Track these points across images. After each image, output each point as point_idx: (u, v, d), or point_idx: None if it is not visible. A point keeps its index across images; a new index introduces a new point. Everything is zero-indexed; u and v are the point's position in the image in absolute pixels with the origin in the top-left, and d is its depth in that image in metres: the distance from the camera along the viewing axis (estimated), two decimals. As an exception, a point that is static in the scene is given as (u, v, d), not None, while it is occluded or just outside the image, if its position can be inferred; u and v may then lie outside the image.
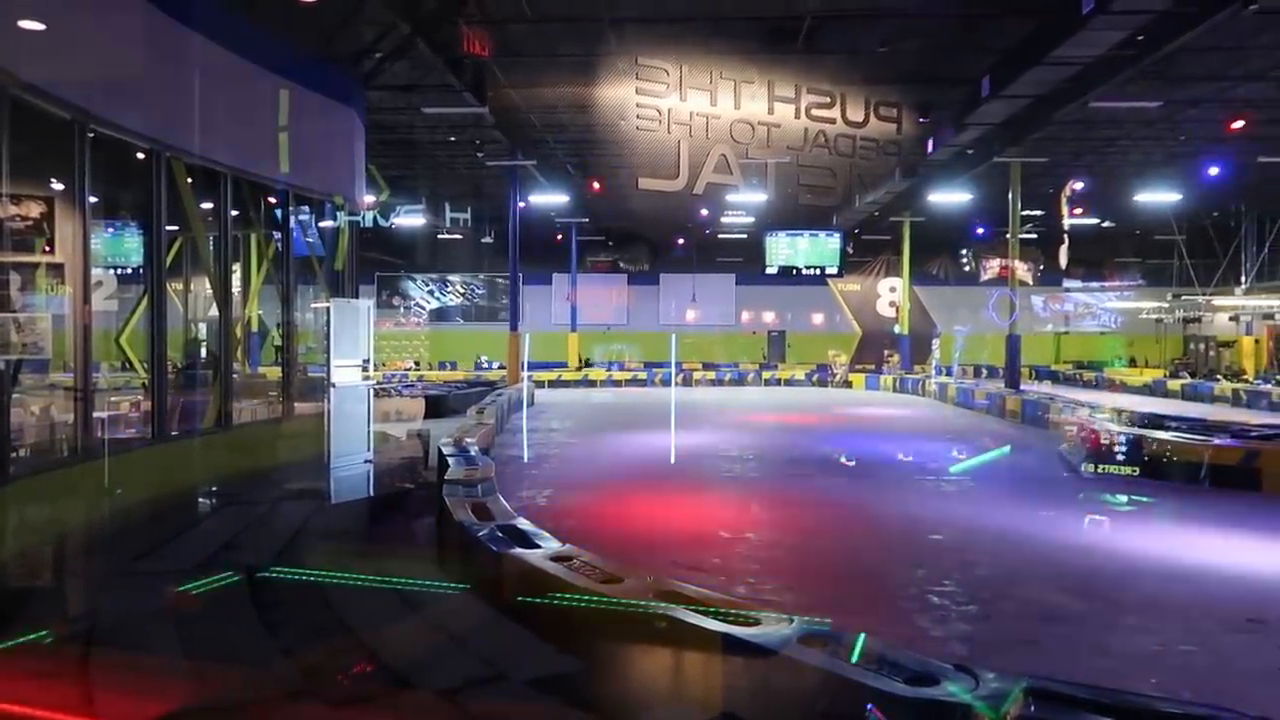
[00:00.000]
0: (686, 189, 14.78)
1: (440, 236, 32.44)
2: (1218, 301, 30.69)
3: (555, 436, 15.64)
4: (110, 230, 16.33)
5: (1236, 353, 32.77)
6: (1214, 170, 20.35)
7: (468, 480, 7.62)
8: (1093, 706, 3.18)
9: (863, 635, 3.71)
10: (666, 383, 18.54)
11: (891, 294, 35.45)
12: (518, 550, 5.41)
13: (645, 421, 17.40)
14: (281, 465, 10.12)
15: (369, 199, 13.68)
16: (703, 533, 8.26)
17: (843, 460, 12.69)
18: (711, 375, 31.45)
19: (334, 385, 9.71)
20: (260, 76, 10.04)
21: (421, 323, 36.67)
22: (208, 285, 10.48)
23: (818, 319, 37.50)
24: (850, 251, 32.49)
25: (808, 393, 28.51)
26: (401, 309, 36.93)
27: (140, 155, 8.50)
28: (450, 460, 8.71)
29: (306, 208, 12.07)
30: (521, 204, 24.06)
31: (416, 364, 32.85)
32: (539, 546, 5.53)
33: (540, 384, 26.94)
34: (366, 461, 10.15)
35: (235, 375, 10.62)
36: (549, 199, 25.85)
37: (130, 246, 16.45)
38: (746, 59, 14.67)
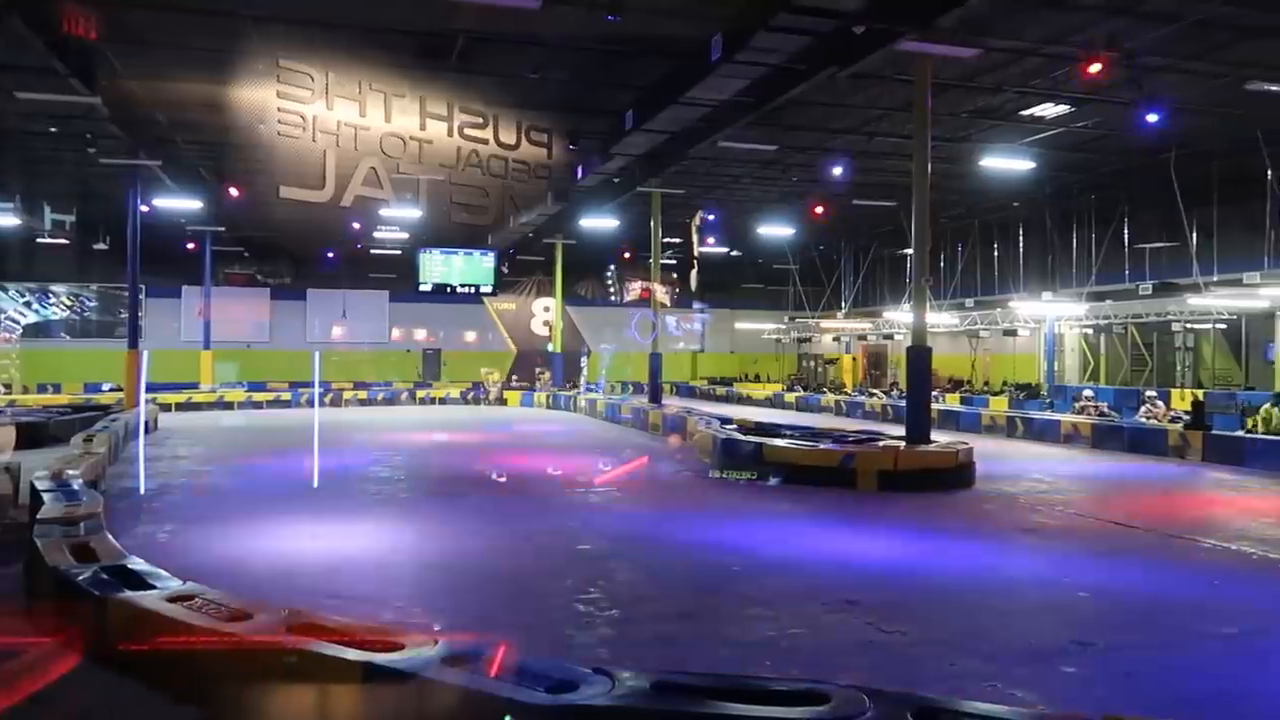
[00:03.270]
0: (333, 201, 14.16)
1: (40, 241, 28.19)
2: (824, 324, 35.05)
3: (182, 465, 14.17)
4: None
5: (839, 369, 37.72)
6: (819, 210, 23.19)
7: (68, 518, 6.65)
8: (714, 693, 3.44)
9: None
10: (313, 403, 17.56)
11: (545, 313, 36.58)
12: (127, 593, 4.80)
13: (287, 445, 16.33)
14: None
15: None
16: (348, 559, 7.89)
17: (495, 477, 12.77)
18: (363, 395, 30.31)
19: (-114, 412, 8.06)
20: None
21: (13, 339, 31.63)
22: None
23: (472, 337, 37.59)
24: (505, 271, 33.14)
25: (462, 411, 28.42)
26: (-13, 323, 31.61)
27: None
28: (46, 496, 7.57)
29: None
30: (144, 208, 21.65)
31: (7, 387, 28.24)
32: (154, 587, 4.95)
33: (167, 407, 24.35)
34: (-68, 503, 8.52)
35: None
36: (178, 204, 23.47)
37: None
38: (399, 72, 14.39)
